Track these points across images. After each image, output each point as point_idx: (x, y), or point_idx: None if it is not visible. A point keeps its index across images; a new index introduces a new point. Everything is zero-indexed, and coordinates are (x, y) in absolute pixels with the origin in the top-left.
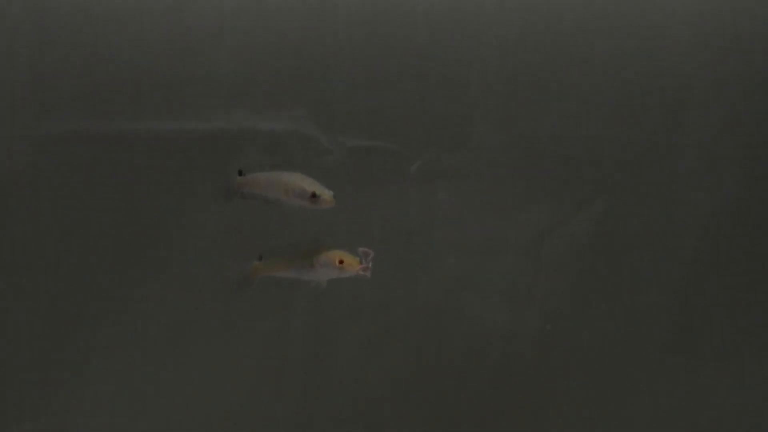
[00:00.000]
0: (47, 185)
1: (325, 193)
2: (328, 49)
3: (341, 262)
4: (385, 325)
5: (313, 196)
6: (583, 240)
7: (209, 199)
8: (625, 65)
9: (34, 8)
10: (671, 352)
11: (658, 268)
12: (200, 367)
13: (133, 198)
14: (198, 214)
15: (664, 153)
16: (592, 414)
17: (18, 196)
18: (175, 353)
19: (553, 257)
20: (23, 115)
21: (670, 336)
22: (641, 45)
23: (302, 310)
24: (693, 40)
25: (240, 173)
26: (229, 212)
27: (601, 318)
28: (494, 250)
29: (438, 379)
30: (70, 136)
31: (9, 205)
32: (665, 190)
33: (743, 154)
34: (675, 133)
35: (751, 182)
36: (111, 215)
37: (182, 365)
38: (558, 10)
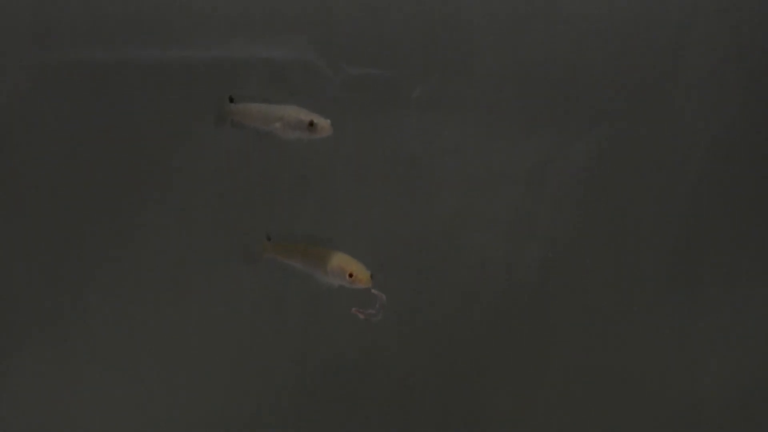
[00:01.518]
0: (46, 115)
1: (322, 121)
2: None
3: (351, 275)
4: (385, 256)
5: (311, 124)
6: (585, 168)
7: (209, 129)
8: None
9: None
10: (673, 280)
11: (660, 195)
12: (200, 302)
13: (132, 128)
14: (198, 145)
15: (666, 79)
16: (593, 342)
17: (17, 126)
18: (174, 290)
19: (555, 185)
20: (23, 44)
21: (672, 264)
22: None
23: (302, 239)
24: None
25: (231, 100)
26: (231, 142)
27: (603, 246)
28: (495, 178)
29: (438, 310)
30: (69, 65)
31: (8, 135)
32: (667, 117)
33: (747, 78)
34: (677, 58)
35: (755, 107)
36: (110, 146)
37: (182, 300)
38: None
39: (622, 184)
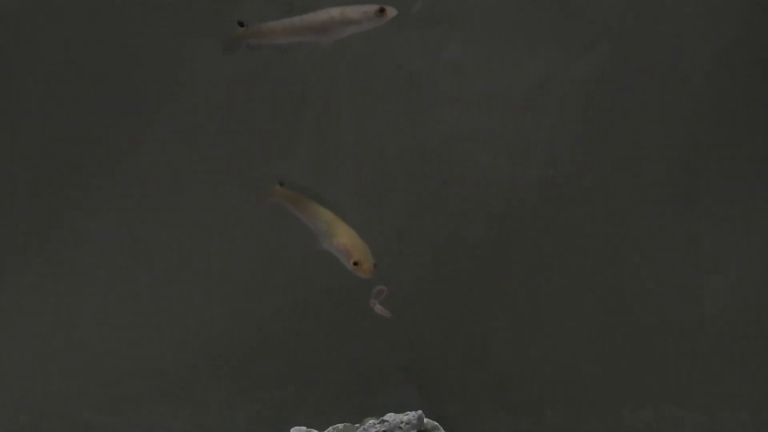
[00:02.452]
0: (48, 29)
1: (389, 7)
2: None
3: (356, 264)
4: (385, 174)
5: (381, 11)
6: (585, 87)
7: (214, 48)
8: None
9: None
10: (674, 198)
11: (661, 114)
12: (199, 225)
13: (134, 48)
14: (200, 67)
15: None
16: (594, 261)
17: (21, 36)
18: (173, 212)
19: (556, 104)
20: None
21: (673, 182)
22: None
23: (303, 156)
24: None
25: (241, 24)
26: (234, 63)
27: (603, 166)
28: (495, 97)
29: (439, 228)
30: None
31: (15, 52)
32: (668, 34)
33: None
34: None
35: (756, 25)
36: (110, 67)
37: (180, 223)
38: None
39: (622, 102)
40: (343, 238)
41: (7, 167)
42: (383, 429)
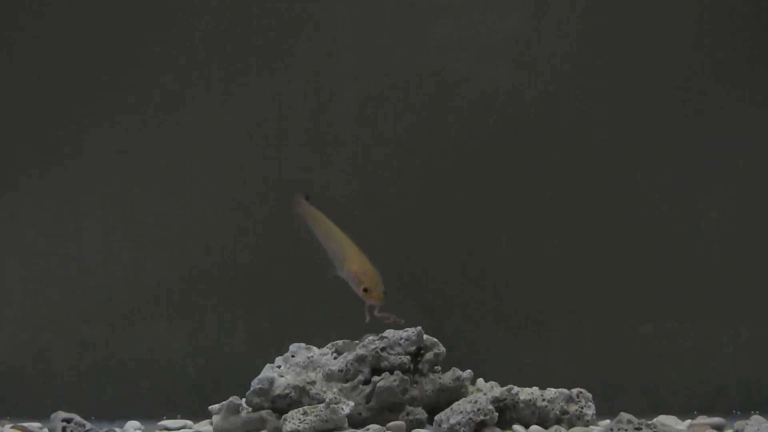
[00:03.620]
0: None
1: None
2: None
3: (365, 290)
4: (386, 86)
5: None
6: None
7: None
8: None
9: None
10: (675, 116)
11: (664, 25)
12: (199, 137)
13: None
14: None
15: None
16: (594, 177)
17: None
18: (171, 123)
19: (557, 12)
20: None
21: (673, 96)
22: None
23: (303, 70)
24: None
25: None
26: None
27: (604, 78)
28: (496, 4)
29: (439, 141)
30: None
31: None
32: None
33: None
34: None
35: None
36: None
37: (179, 135)
38: None
39: (624, 11)
40: (354, 265)
41: (4, 78)
42: (383, 345)
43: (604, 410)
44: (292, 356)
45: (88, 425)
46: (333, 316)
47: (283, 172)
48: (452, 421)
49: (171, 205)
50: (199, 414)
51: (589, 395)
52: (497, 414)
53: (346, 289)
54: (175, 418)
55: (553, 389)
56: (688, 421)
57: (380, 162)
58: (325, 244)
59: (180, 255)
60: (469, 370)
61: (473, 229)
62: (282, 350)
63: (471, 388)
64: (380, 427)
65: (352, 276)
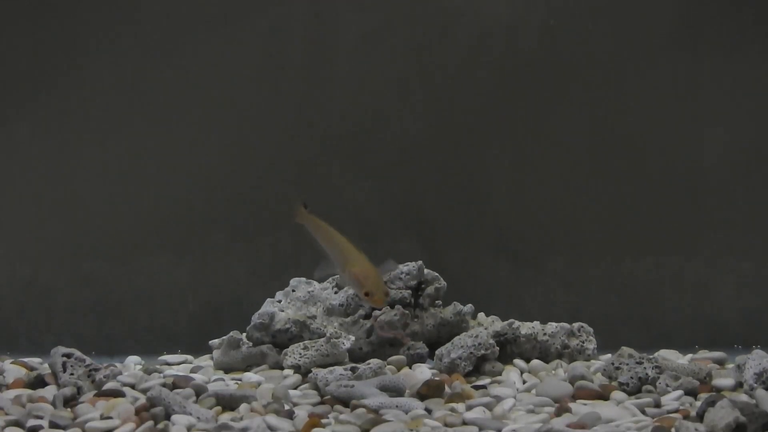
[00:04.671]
0: None
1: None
2: None
3: (367, 294)
4: (386, 21)
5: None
6: None
7: None
8: None
9: None
10: (676, 44)
11: None
12: (196, 66)
13: None
14: None
15: None
16: (594, 108)
17: None
18: (168, 51)
19: None
20: None
21: (675, 31)
22: None
23: (302, 5)
24: None
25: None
26: None
27: (605, 11)
28: None
29: (440, 76)
30: None
31: None
32: None
33: None
34: None
35: None
36: None
37: (176, 64)
38: None
39: None
40: (356, 267)
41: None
42: (384, 280)
43: (606, 345)
44: (293, 291)
45: (89, 360)
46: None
47: (284, 107)
48: (453, 355)
49: (171, 138)
50: (199, 349)
51: (591, 330)
52: (498, 348)
53: (348, 222)
54: (175, 353)
55: (554, 323)
56: (690, 356)
57: (380, 97)
58: (327, 250)
59: (180, 189)
60: (470, 305)
61: (474, 163)
62: (282, 285)
63: (472, 323)
64: (381, 361)
65: (353, 279)
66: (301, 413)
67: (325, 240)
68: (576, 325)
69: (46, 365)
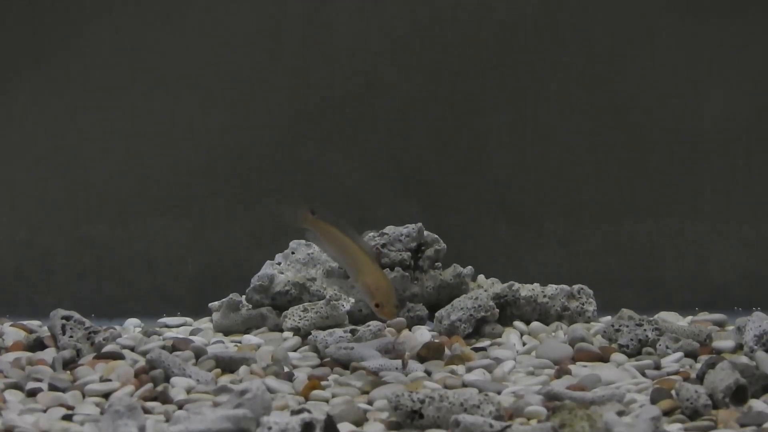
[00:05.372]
0: None
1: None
2: None
3: (377, 305)
4: None
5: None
6: None
7: None
8: None
9: None
10: (676, 4)
11: None
12: (197, 30)
13: None
14: None
15: None
16: (595, 70)
17: None
18: (171, 14)
19: None
20: None
21: None
22: None
23: None
24: None
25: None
26: None
27: None
28: None
29: (439, 36)
30: None
31: None
32: None
33: None
34: None
35: None
36: None
37: (178, 27)
38: None
39: None
40: (367, 278)
41: None
42: (383, 242)
43: (606, 306)
44: (292, 253)
45: (88, 323)
46: (333, 212)
47: (283, 69)
48: (453, 317)
49: (171, 100)
50: (199, 311)
51: (590, 292)
52: (498, 310)
53: (347, 184)
54: (174, 315)
55: (554, 285)
56: (690, 318)
57: (379, 58)
58: (337, 258)
59: (180, 151)
60: (470, 267)
61: (474, 125)
62: (282, 247)
63: (472, 285)
64: (381, 323)
65: (365, 289)
66: (301, 375)
67: (335, 247)
68: (576, 287)
69: (45, 328)
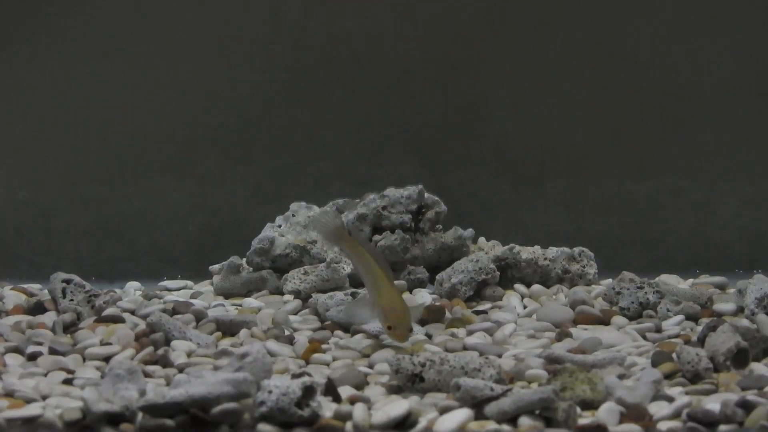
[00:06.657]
0: None
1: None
2: None
3: (389, 328)
4: None
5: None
6: None
7: None
8: None
9: None
10: None
11: None
12: None
13: None
14: None
15: None
16: (595, 26)
17: None
18: None
19: None
20: None
21: None
22: None
23: None
24: None
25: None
26: None
27: None
28: None
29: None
30: None
31: None
32: None
33: None
34: None
35: None
36: None
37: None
38: None
39: None
40: (383, 300)
41: None
42: (383, 204)
43: (606, 269)
44: (293, 215)
45: (88, 286)
46: (333, 173)
47: (284, 31)
48: (454, 280)
49: (171, 60)
50: (199, 274)
51: (591, 254)
52: (499, 273)
53: (348, 145)
54: (175, 278)
55: (554, 248)
56: (690, 281)
57: (380, 18)
58: (363, 278)
59: (180, 111)
60: (470, 229)
61: (474, 85)
62: (283, 209)
63: (473, 247)
64: None
65: (380, 311)
66: (301, 338)
67: (362, 269)
68: (577, 249)
69: (45, 291)
